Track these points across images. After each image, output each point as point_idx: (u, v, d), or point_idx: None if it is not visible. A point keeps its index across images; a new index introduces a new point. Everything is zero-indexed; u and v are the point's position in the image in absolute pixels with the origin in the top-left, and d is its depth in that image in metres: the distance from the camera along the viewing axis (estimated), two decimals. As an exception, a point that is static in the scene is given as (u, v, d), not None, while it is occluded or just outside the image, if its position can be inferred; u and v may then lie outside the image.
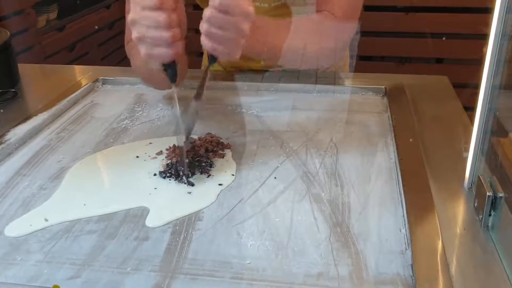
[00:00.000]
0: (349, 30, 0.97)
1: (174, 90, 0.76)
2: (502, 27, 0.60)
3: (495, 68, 0.62)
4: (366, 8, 2.26)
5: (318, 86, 1.05)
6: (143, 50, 0.71)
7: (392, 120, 0.89)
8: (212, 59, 0.74)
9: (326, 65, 1.07)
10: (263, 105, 0.99)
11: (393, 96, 0.99)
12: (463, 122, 0.89)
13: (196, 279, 0.56)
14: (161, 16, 0.68)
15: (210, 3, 0.69)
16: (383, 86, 1.03)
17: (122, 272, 0.57)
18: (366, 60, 2.36)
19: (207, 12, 0.69)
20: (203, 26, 0.70)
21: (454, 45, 2.22)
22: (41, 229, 0.65)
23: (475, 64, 0.65)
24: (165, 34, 0.69)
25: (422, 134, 0.84)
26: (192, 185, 0.73)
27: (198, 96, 0.75)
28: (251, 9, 0.71)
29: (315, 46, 0.93)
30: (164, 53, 0.70)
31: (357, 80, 1.07)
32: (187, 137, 0.77)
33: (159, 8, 0.68)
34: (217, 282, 0.56)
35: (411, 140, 0.81)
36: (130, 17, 0.70)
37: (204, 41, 0.71)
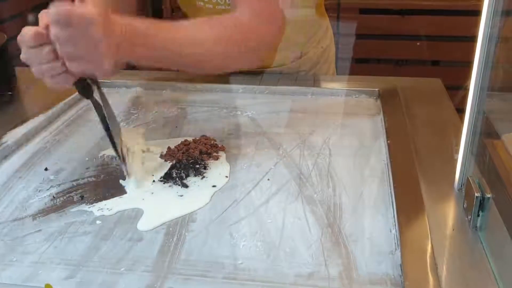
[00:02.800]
0: (257, 35, 0.87)
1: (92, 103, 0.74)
2: (489, 29, 0.61)
3: (483, 70, 0.63)
4: (362, 10, 2.28)
5: (313, 89, 1.06)
6: (47, 83, 0.72)
7: (385, 123, 0.90)
8: (84, 89, 0.73)
9: (230, 68, 0.96)
10: (258, 107, 1.00)
11: (386, 98, 1.00)
12: (455, 124, 0.90)
13: (189, 279, 0.57)
14: (44, 51, 0.68)
15: (49, 19, 0.66)
16: (377, 89, 1.04)
17: (116, 272, 0.58)
18: (362, 63, 2.37)
19: (51, 33, 0.66)
20: (59, 50, 0.68)
21: (450, 47, 2.23)
22: (36, 231, 0.66)
23: (471, 66, 0.66)
24: (56, 65, 0.69)
25: (414, 136, 0.85)
26: (186, 187, 0.73)
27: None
28: (92, 12, 0.66)
29: (210, 47, 0.83)
30: (64, 79, 0.70)
31: (351, 83, 1.08)
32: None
33: (39, 44, 0.68)
34: (209, 282, 0.56)
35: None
36: (21, 57, 0.71)
37: (68, 64, 0.68)
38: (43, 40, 0.68)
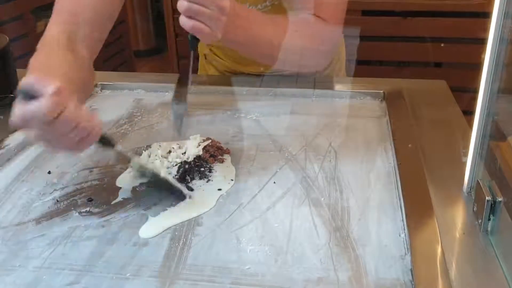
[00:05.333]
0: (336, 33, 0.99)
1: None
2: (500, 32, 0.60)
3: (493, 73, 0.62)
4: (364, 12, 2.27)
5: (317, 91, 1.05)
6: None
7: (390, 125, 0.89)
8: (193, 42, 0.74)
9: (310, 67, 1.05)
10: (262, 110, 0.99)
11: (392, 100, 0.99)
12: (462, 126, 0.89)
13: (196, 285, 0.56)
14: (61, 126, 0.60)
15: None
16: (382, 91, 1.03)
17: (122, 277, 0.57)
18: (364, 65, 2.36)
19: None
20: (182, 4, 0.70)
21: (453, 50, 2.22)
22: (39, 235, 0.65)
23: (474, 68, 0.66)
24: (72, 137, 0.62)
25: (421, 138, 0.84)
26: (191, 190, 0.73)
27: (182, 84, 0.78)
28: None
29: (302, 45, 0.93)
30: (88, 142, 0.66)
31: (356, 85, 1.07)
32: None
33: (51, 120, 0.60)
34: (216, 287, 0.56)
35: (410, 145, 0.81)
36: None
37: (184, 20, 0.71)
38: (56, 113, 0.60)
